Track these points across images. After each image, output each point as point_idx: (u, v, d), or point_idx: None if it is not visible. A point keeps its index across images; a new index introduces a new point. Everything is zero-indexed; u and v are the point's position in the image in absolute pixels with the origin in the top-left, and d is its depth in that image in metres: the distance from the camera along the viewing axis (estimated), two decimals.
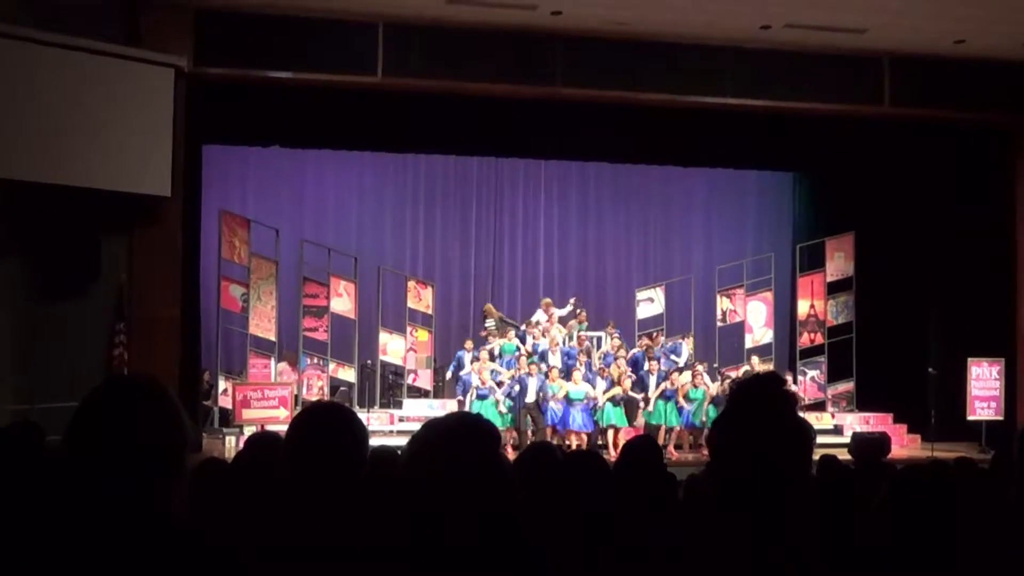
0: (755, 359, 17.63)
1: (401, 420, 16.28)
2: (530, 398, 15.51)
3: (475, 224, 20.65)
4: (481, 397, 15.35)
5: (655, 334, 17.79)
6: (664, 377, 16.03)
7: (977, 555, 2.17)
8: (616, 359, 16.46)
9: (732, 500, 2.21)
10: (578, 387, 15.34)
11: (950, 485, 2.26)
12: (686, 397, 15.63)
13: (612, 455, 14.30)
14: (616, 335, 17.71)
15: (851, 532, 2.96)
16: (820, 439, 14.94)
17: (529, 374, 15.57)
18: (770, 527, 2.16)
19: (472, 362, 15.96)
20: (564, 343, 16.92)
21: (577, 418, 15.22)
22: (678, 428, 15.71)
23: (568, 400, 15.25)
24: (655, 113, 15.85)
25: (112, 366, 13.15)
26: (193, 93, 13.93)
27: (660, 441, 15.28)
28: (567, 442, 14.85)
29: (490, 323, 17.92)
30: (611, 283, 21.01)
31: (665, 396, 15.71)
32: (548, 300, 18.25)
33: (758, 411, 2.26)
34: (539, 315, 17.75)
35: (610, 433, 15.40)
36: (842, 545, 2.33)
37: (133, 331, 13.52)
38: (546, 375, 15.63)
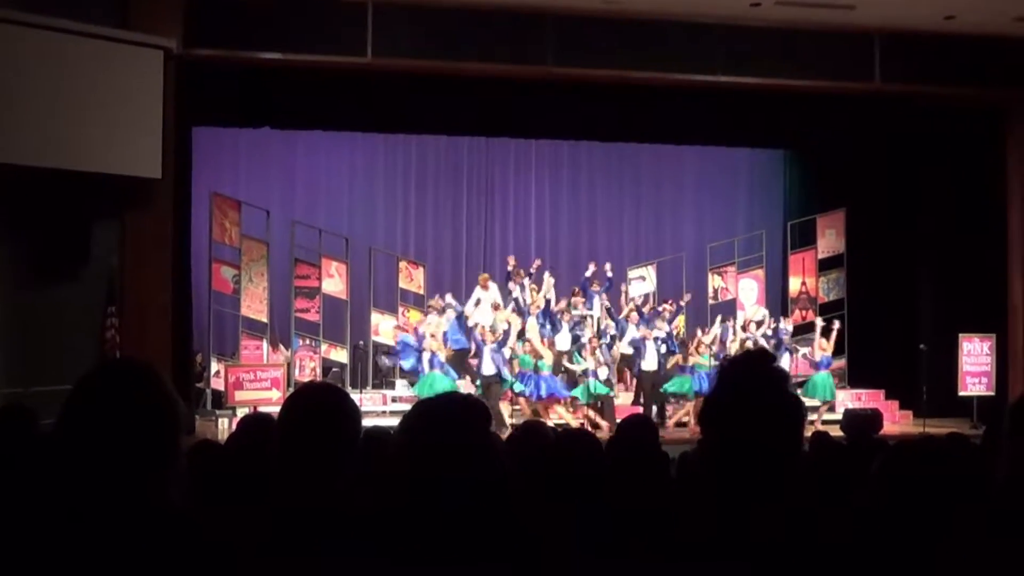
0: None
1: (394, 400, 16.28)
2: (488, 370, 14.88)
3: (466, 204, 20.58)
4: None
5: (662, 308, 17.07)
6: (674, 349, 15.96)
7: (969, 531, 2.18)
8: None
9: (725, 477, 2.22)
10: (545, 355, 15.10)
11: (942, 461, 2.27)
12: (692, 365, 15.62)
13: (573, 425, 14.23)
14: (607, 303, 17.42)
15: (844, 508, 2.97)
16: (812, 416, 15.00)
17: (484, 341, 15.01)
18: (764, 504, 2.17)
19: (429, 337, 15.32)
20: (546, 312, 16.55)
21: (552, 383, 14.99)
22: (689, 404, 15.59)
23: (538, 368, 14.96)
24: (646, 92, 15.82)
25: (105, 349, 13.13)
26: (183, 75, 13.86)
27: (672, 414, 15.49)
28: (551, 416, 14.68)
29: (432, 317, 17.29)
30: (602, 261, 20.94)
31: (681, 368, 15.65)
32: (486, 275, 17.73)
33: (750, 388, 2.26)
34: (478, 293, 17.11)
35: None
36: (835, 521, 2.34)
37: (125, 314, 13.49)
38: (522, 341, 15.36)
